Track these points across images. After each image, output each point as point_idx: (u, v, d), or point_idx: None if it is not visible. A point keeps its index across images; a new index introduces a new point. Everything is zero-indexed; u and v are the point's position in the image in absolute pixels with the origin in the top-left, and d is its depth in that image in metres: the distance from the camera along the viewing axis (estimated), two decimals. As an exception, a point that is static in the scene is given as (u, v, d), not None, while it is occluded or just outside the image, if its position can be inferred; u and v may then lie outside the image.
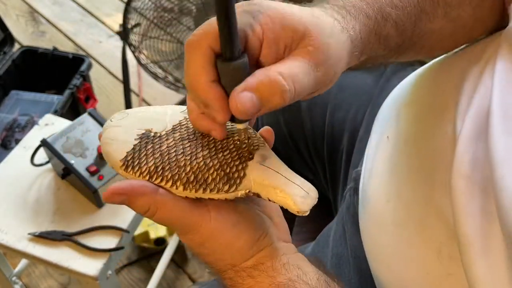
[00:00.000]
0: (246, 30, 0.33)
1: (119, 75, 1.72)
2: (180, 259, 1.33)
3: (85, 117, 0.96)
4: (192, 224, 0.36)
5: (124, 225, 0.90)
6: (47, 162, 0.97)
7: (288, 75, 0.32)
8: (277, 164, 0.37)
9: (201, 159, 0.37)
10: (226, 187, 0.36)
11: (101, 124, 0.95)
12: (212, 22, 0.32)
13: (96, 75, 1.73)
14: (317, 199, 0.37)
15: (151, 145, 0.38)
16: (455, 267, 0.39)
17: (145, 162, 0.37)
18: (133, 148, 0.38)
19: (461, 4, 0.46)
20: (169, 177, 0.36)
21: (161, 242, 1.29)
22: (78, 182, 0.90)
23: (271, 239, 0.39)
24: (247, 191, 0.36)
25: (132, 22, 1.28)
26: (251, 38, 0.33)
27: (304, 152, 0.71)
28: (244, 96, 0.32)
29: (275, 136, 0.41)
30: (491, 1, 0.47)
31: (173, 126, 0.40)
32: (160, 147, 0.38)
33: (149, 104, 1.73)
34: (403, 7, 0.42)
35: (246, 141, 0.38)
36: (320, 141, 0.69)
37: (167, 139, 0.39)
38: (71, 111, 1.43)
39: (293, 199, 0.35)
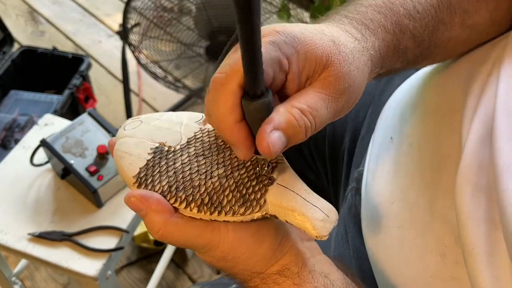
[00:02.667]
0: (274, 65, 0.32)
1: (119, 75, 1.71)
2: (180, 259, 1.33)
3: (84, 117, 0.95)
4: (211, 241, 0.35)
5: (124, 225, 0.90)
6: (46, 162, 0.97)
7: (308, 111, 0.32)
8: (295, 184, 0.36)
9: (216, 178, 0.36)
10: (242, 210, 0.35)
11: (101, 124, 0.95)
12: (238, 60, 0.31)
13: (95, 75, 1.73)
14: (336, 222, 0.35)
15: (165, 161, 0.37)
16: (459, 271, 0.39)
17: (158, 180, 0.36)
18: (147, 164, 0.37)
19: (478, 10, 0.45)
20: (183, 198, 0.35)
21: (160, 242, 1.29)
22: (77, 182, 0.90)
23: (293, 240, 0.38)
24: (264, 213, 0.35)
25: (132, 22, 1.28)
26: (277, 73, 0.33)
27: (306, 152, 0.71)
28: (274, 136, 0.31)
29: None
30: (508, 4, 0.46)
31: (187, 139, 0.39)
32: (174, 163, 0.37)
33: (148, 104, 1.73)
34: (420, 18, 0.42)
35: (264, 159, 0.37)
36: (322, 140, 0.69)
37: (181, 155, 0.37)
38: (71, 111, 1.43)
39: (312, 223, 0.34)
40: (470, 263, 0.36)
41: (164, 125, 0.40)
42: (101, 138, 0.93)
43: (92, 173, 0.89)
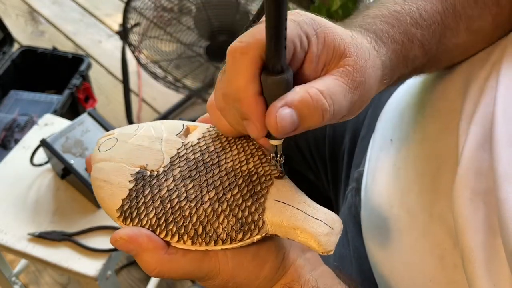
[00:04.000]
0: (295, 41, 0.31)
1: (119, 75, 1.71)
2: (180, 259, 1.33)
3: (84, 117, 0.95)
4: (210, 271, 0.34)
5: (124, 225, 0.89)
6: (46, 162, 0.97)
7: (328, 94, 0.31)
8: (294, 197, 0.34)
9: (207, 204, 0.33)
10: (240, 236, 0.32)
11: (101, 124, 0.95)
12: (261, 30, 0.30)
13: (95, 75, 1.73)
14: (341, 231, 0.33)
15: (149, 189, 0.34)
16: (458, 275, 0.39)
17: (144, 212, 0.33)
18: (129, 194, 0.34)
19: (482, 15, 0.45)
20: (174, 230, 0.32)
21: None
22: (77, 182, 0.90)
23: (295, 254, 0.37)
24: (264, 234, 0.32)
25: (131, 22, 1.28)
26: (298, 50, 0.32)
27: (306, 152, 0.71)
28: (284, 112, 0.29)
29: None
30: (510, 7, 0.46)
31: (170, 159, 0.36)
32: (159, 191, 0.34)
33: (148, 104, 1.73)
34: (427, 26, 0.41)
35: (259, 168, 0.34)
36: (322, 140, 0.69)
37: (166, 179, 0.34)
38: (71, 111, 1.43)
39: (316, 240, 0.32)
40: (468, 269, 0.36)
41: (143, 143, 0.37)
42: (101, 138, 0.93)
43: (92, 173, 0.89)
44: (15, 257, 1.26)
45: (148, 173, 0.35)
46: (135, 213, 0.34)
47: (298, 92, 0.30)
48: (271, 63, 0.30)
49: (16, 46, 1.58)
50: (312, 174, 0.73)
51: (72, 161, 0.89)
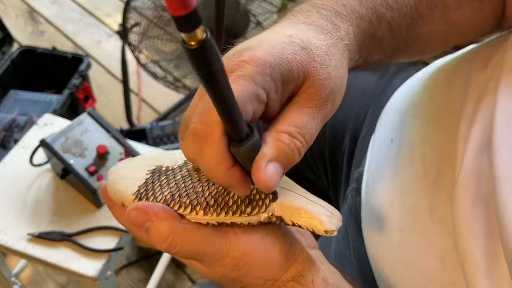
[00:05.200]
0: (252, 101, 0.31)
1: (119, 74, 1.71)
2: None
3: (84, 117, 0.95)
4: (221, 248, 0.34)
5: (123, 225, 0.89)
6: (46, 162, 0.97)
7: (297, 131, 0.32)
8: (297, 188, 0.36)
9: (219, 184, 0.35)
10: (249, 209, 0.34)
11: (101, 124, 0.95)
12: (213, 110, 0.29)
13: (95, 75, 1.73)
14: (341, 220, 0.35)
15: (165, 176, 0.37)
16: (458, 276, 0.39)
17: (160, 192, 0.35)
18: (146, 182, 0.36)
19: (460, 6, 0.44)
20: (187, 203, 0.34)
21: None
22: (77, 182, 0.90)
23: (301, 245, 0.37)
24: (270, 214, 0.35)
25: (131, 22, 1.28)
26: (256, 107, 0.31)
27: (306, 152, 0.71)
28: (270, 171, 0.31)
29: None
30: (492, 5, 0.46)
31: (184, 160, 0.38)
32: (174, 177, 0.36)
33: (148, 104, 1.73)
34: (398, 8, 0.40)
35: None
36: (322, 140, 0.69)
37: (180, 170, 0.37)
38: (70, 111, 1.43)
39: (319, 219, 0.34)
40: (468, 272, 0.35)
41: (158, 156, 0.40)
42: (101, 138, 0.93)
43: (91, 173, 0.89)
44: (15, 257, 1.26)
45: (164, 168, 0.38)
46: (150, 193, 0.36)
47: (271, 144, 0.31)
48: (235, 137, 0.30)
49: (15, 46, 1.58)
50: (312, 174, 0.73)
51: (71, 161, 0.89)
